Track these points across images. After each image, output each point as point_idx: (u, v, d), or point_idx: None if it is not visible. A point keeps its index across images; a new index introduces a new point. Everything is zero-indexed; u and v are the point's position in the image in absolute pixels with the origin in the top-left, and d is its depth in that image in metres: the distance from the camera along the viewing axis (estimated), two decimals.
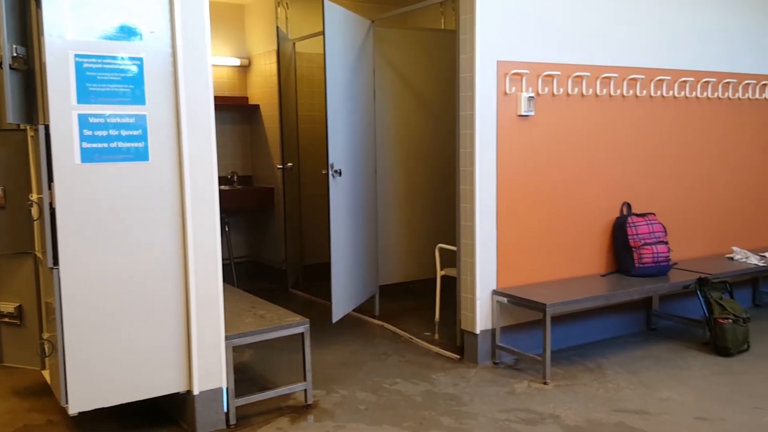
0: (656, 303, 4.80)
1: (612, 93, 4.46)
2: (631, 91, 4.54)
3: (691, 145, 4.90)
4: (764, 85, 5.23)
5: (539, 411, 3.44)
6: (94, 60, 2.84)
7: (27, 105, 3.00)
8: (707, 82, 4.89)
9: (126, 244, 2.97)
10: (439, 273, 4.92)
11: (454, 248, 4.31)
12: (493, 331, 4.10)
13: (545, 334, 3.81)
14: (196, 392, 3.17)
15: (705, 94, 4.92)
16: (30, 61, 2.98)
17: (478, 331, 4.08)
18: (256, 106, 6.43)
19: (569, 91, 4.27)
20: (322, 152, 4.82)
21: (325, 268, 4.60)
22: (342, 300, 4.55)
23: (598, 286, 4.23)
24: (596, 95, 4.40)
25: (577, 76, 4.28)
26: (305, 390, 3.52)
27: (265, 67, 6.24)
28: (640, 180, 4.66)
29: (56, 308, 2.86)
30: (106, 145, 2.90)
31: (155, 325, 3.07)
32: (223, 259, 3.24)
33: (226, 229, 5.97)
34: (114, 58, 2.89)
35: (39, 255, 3.27)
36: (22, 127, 3.22)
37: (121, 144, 2.93)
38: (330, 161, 4.41)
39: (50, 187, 2.81)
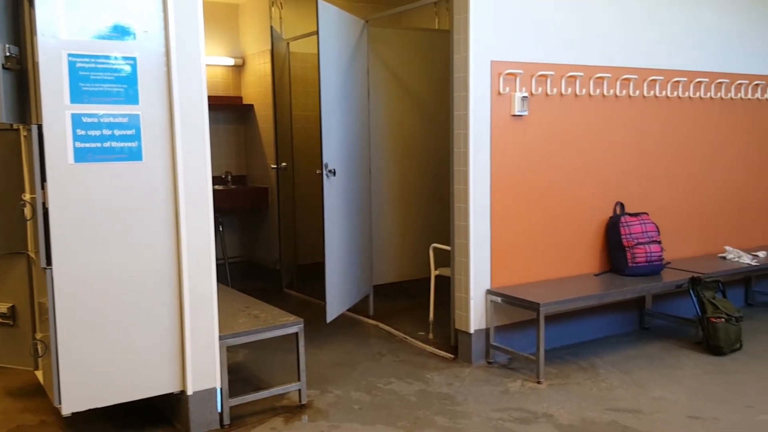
0: (649, 302, 4.82)
1: (605, 93, 4.47)
2: (624, 91, 4.55)
3: (684, 145, 4.92)
4: (756, 85, 5.25)
5: (533, 410, 3.45)
6: (87, 59, 2.84)
7: (20, 104, 2.99)
8: (700, 82, 4.91)
9: (120, 244, 2.96)
10: (434, 273, 4.93)
11: (448, 248, 4.32)
12: (487, 330, 4.11)
13: (539, 333, 3.82)
14: (189, 392, 3.16)
15: (698, 94, 4.94)
16: (23, 61, 2.97)
17: (472, 331, 4.09)
18: (250, 106, 6.43)
19: (563, 91, 4.29)
20: (316, 152, 4.82)
21: (319, 267, 4.60)
22: (336, 300, 4.55)
23: (592, 286, 4.24)
24: (590, 95, 4.41)
25: (571, 76, 4.30)
26: (299, 390, 3.52)
27: (259, 66, 6.23)
28: (633, 180, 4.68)
29: (49, 308, 2.85)
30: (99, 144, 2.89)
31: (149, 325, 3.06)
32: (217, 259, 3.24)
33: (220, 228, 5.97)
34: (107, 57, 2.88)
35: (32, 255, 3.26)
36: (15, 126, 3.21)
37: (114, 144, 2.93)
38: (324, 161, 4.41)
39: (43, 187, 2.80)
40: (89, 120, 2.86)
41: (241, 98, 6.53)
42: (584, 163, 4.45)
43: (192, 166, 3.10)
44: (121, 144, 2.94)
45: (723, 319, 4.22)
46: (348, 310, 4.96)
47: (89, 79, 2.85)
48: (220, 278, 3.42)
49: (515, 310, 4.05)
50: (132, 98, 2.95)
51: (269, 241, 6.30)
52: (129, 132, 2.95)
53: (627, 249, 4.39)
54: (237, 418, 3.35)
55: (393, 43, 5.38)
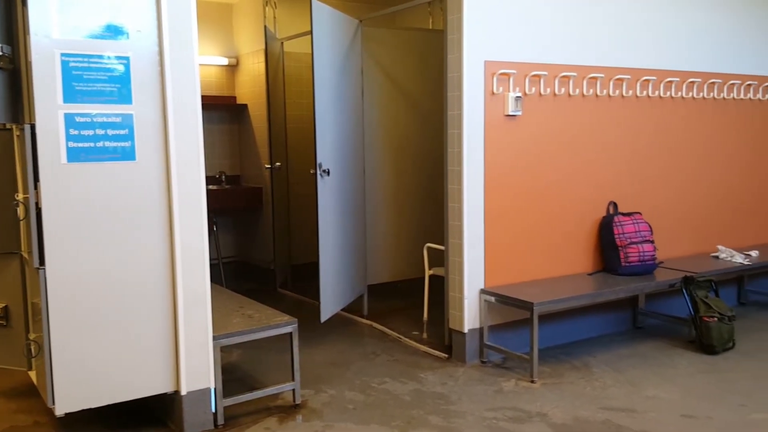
0: (642, 301, 4.83)
1: (598, 93, 4.48)
2: (617, 91, 4.57)
3: (677, 144, 4.94)
4: (749, 85, 5.28)
5: (527, 409, 3.46)
6: (80, 59, 2.83)
7: (13, 104, 2.98)
8: (693, 82, 4.93)
9: (113, 243, 2.96)
10: (428, 272, 4.94)
11: (442, 248, 4.32)
12: (480, 330, 4.12)
13: (532, 332, 3.83)
14: (183, 392, 3.16)
15: (690, 94, 4.96)
16: (16, 60, 2.96)
17: (466, 330, 4.09)
18: (244, 106, 6.42)
19: (556, 91, 4.30)
20: (310, 152, 4.81)
21: (313, 267, 4.60)
22: (330, 300, 4.55)
23: (585, 285, 4.25)
24: (583, 95, 4.42)
25: (564, 76, 4.31)
26: (293, 390, 3.52)
27: (253, 66, 6.23)
28: (626, 179, 4.69)
29: (43, 308, 2.84)
30: (92, 144, 2.88)
31: (142, 326, 3.06)
32: (211, 259, 3.24)
33: (214, 229, 5.96)
34: (100, 57, 2.88)
35: (25, 255, 3.25)
36: (8, 126, 3.20)
37: (107, 143, 2.92)
38: (318, 161, 4.41)
39: (36, 187, 2.80)
40: (82, 120, 2.85)
41: (235, 98, 6.52)
42: (577, 163, 4.46)
43: (185, 166, 3.10)
44: (115, 144, 2.93)
45: (716, 318, 4.24)
46: (342, 310, 4.97)
47: (82, 78, 2.84)
48: (214, 278, 3.42)
49: (509, 309, 4.06)
50: (125, 98, 2.94)
51: (263, 241, 6.29)
52: (122, 132, 2.95)
53: (620, 248, 4.41)
54: (231, 418, 3.34)
55: (387, 43, 5.39)
